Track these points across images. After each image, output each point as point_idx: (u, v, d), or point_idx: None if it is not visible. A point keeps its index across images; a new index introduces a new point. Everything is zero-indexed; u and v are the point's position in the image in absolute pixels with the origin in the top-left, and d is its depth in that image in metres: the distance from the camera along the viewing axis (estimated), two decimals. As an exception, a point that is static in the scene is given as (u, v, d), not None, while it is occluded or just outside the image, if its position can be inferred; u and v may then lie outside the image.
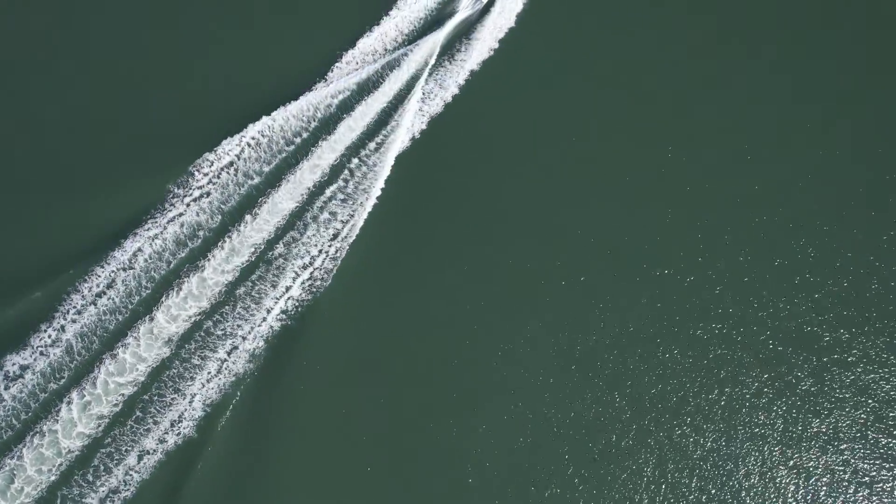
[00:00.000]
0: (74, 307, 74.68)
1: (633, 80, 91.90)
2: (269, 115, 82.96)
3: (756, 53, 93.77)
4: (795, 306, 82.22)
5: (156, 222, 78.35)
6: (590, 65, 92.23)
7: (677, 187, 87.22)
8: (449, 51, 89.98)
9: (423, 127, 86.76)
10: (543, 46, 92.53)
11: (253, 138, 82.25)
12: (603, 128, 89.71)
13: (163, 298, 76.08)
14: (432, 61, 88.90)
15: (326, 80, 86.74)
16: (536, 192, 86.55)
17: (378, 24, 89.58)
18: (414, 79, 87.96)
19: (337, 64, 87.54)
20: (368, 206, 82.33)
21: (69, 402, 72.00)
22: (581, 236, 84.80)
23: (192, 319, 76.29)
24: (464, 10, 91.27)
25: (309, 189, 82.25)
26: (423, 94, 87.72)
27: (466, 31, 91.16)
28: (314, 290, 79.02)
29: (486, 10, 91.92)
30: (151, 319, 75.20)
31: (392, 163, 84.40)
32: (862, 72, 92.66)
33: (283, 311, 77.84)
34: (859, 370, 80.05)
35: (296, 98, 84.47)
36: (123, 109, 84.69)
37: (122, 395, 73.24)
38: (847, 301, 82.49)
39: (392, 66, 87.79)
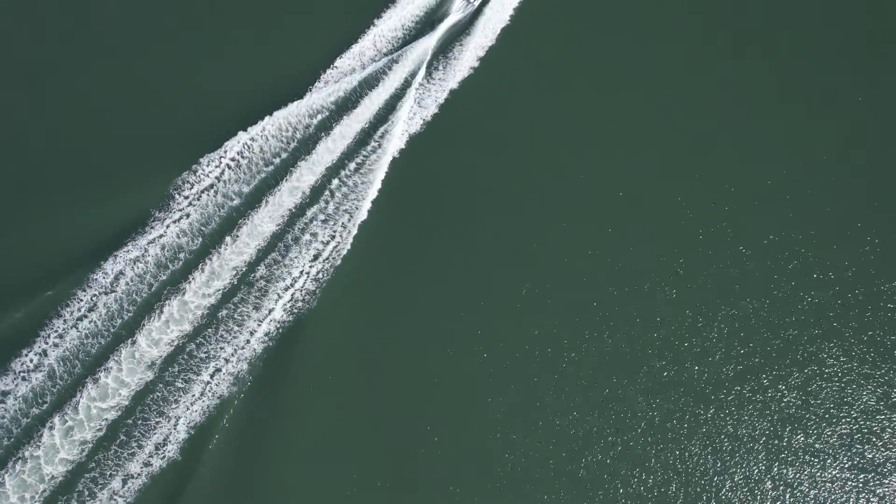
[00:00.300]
0: (56, 331, 75.76)
1: (624, 87, 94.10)
2: (258, 123, 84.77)
3: (743, 53, 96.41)
4: (779, 317, 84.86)
5: (136, 244, 79.64)
6: (581, 72, 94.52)
7: (666, 202, 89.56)
8: (431, 71, 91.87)
9: (403, 146, 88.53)
10: (531, 55, 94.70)
11: (233, 160, 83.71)
12: (595, 137, 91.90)
13: (144, 322, 77.42)
14: (417, 81, 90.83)
15: (312, 89, 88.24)
16: (525, 210, 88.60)
17: (359, 40, 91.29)
18: (395, 99, 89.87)
19: (323, 75, 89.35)
20: (353, 227, 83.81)
21: (52, 428, 73.01)
22: (568, 255, 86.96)
23: (175, 343, 77.55)
24: (446, 25, 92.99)
25: (290, 210, 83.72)
26: (409, 115, 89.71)
27: (449, 45, 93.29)
28: (297, 312, 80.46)
29: (475, 15, 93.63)
30: (133, 343, 76.47)
31: (379, 185, 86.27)
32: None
33: (266, 334, 79.19)
34: (842, 383, 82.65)
35: (283, 106, 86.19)
36: (101, 132, 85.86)
37: (106, 419, 74.32)
38: (830, 314, 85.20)
39: (372, 84, 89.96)
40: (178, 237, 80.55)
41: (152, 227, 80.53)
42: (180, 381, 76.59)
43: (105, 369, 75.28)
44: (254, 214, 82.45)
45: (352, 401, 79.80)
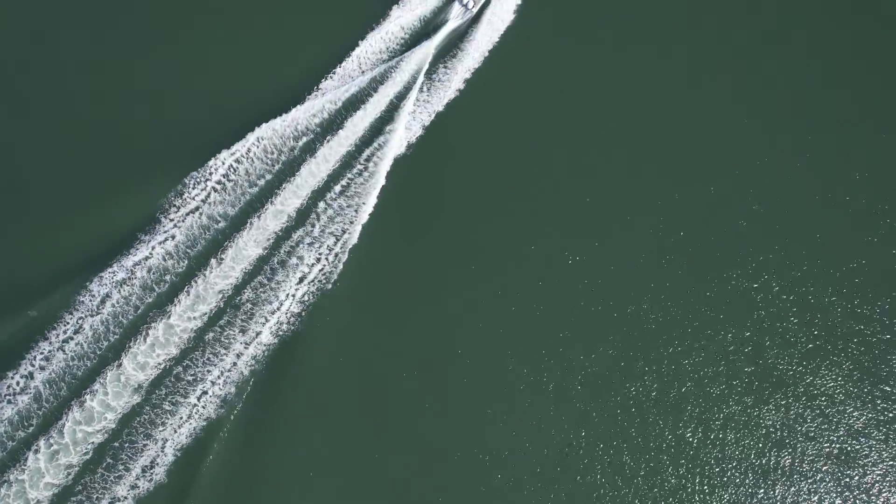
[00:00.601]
0: (42, 353, 76.80)
1: (621, 93, 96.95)
2: (245, 138, 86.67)
3: (742, 53, 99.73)
4: (763, 338, 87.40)
5: (122, 266, 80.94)
6: (581, 78, 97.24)
7: (658, 212, 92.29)
8: (424, 88, 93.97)
9: (390, 168, 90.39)
10: (531, 61, 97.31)
11: (218, 182, 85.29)
12: (594, 143, 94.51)
13: (130, 345, 78.61)
14: (413, 95, 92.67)
15: (314, 91, 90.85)
16: (522, 234, 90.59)
17: (357, 47, 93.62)
18: (391, 110, 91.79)
19: (319, 84, 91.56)
20: (343, 252, 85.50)
21: (37, 451, 73.92)
22: (559, 274, 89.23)
23: (161, 366, 78.76)
24: (442, 35, 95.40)
25: (276, 234, 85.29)
26: (404, 132, 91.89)
27: (447, 53, 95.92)
28: (282, 334, 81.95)
29: (475, 20, 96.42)
30: (119, 367, 77.60)
31: (371, 209, 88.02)
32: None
33: (253, 357, 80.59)
34: (824, 403, 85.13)
35: (284, 112, 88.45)
36: (86, 152, 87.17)
37: (92, 443, 75.33)
38: (811, 334, 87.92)
39: (366, 96, 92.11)
40: (164, 259, 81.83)
41: (138, 249, 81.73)
42: (167, 403, 77.76)
43: (91, 392, 76.22)
44: (239, 237, 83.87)
45: (340, 423, 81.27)
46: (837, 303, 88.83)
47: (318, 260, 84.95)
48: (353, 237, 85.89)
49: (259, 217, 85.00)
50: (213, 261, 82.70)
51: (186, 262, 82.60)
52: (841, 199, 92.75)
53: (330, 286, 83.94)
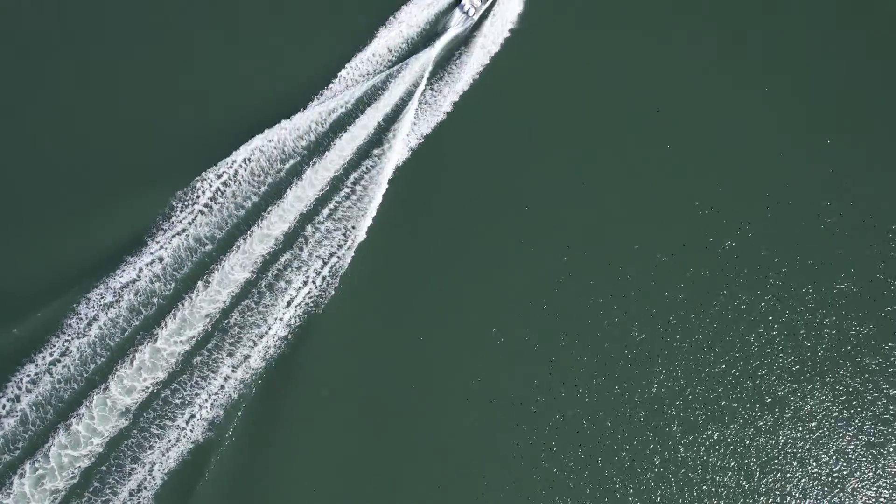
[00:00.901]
0: (28, 376, 77.27)
1: (623, 101, 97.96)
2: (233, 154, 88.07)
3: (742, 54, 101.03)
4: (751, 360, 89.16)
5: (109, 288, 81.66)
6: (583, 84, 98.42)
7: (661, 219, 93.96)
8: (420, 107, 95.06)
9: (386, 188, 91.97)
10: (533, 68, 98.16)
11: (206, 205, 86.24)
12: (596, 151, 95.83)
13: (116, 369, 79.23)
14: (412, 109, 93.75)
15: (314, 100, 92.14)
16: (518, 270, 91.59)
17: (357, 55, 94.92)
18: (367, 147, 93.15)
19: (323, 90, 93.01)
20: (326, 273, 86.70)
21: (22, 476, 74.28)
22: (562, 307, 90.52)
23: (149, 390, 79.46)
24: (443, 42, 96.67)
25: (263, 257, 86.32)
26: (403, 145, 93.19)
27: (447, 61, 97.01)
28: (270, 358, 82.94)
29: (476, 27, 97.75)
30: (105, 390, 78.16)
31: (364, 233, 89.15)
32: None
33: (241, 381, 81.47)
34: (812, 425, 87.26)
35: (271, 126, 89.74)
36: (73, 170, 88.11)
37: (79, 466, 75.80)
38: (796, 356, 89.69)
39: (371, 99, 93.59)
40: (151, 282, 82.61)
41: (125, 271, 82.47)
42: (155, 427, 78.47)
43: (77, 416, 76.74)
44: (226, 260, 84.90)
45: (330, 446, 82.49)
46: (827, 325, 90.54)
47: (306, 283, 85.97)
48: (345, 261, 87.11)
49: (246, 240, 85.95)
50: (199, 283, 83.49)
51: (174, 284, 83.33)
52: (830, 220, 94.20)
53: (321, 310, 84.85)
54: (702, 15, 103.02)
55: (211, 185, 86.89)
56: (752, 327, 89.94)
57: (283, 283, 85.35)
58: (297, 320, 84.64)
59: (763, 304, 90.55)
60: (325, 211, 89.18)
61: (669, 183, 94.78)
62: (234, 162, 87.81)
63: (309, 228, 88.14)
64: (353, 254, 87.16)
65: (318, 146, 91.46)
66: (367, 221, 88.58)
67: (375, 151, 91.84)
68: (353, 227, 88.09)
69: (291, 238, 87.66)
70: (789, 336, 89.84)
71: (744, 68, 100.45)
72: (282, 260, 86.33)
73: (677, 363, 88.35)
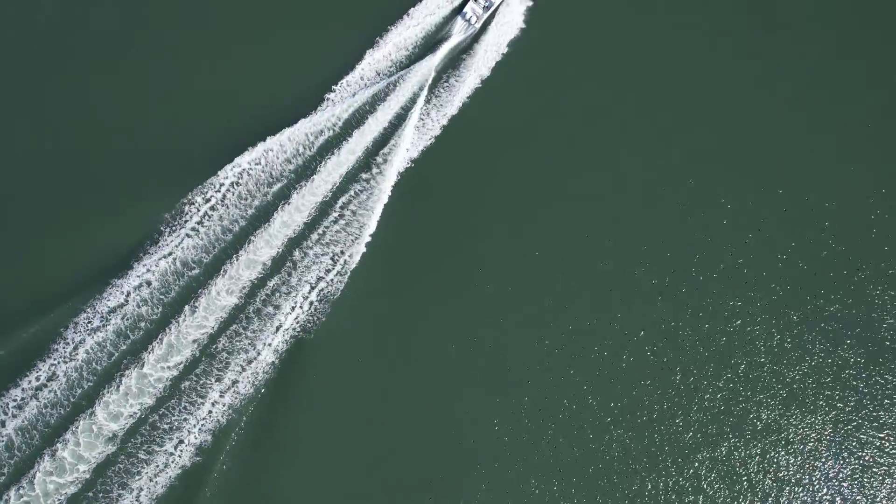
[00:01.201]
0: (14, 400, 77.26)
1: (628, 107, 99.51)
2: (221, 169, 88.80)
3: (746, 72, 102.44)
4: (740, 384, 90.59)
5: (96, 312, 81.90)
6: (586, 92, 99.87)
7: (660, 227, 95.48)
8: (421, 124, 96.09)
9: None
10: (535, 76, 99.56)
11: (193, 229, 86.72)
12: (596, 158, 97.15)
13: (102, 395, 79.37)
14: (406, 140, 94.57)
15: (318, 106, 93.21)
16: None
17: (358, 64, 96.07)
18: (353, 175, 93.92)
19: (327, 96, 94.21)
20: (314, 298, 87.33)
21: (6, 503, 74.15)
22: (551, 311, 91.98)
23: (136, 415, 79.69)
24: (445, 50, 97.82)
25: (251, 282, 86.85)
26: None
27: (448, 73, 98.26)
28: (258, 383, 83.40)
29: (478, 36, 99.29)
30: (91, 416, 78.26)
31: (358, 260, 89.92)
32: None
33: (229, 406, 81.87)
34: (802, 449, 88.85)
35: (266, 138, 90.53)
36: (57, 192, 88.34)
37: (65, 493, 75.82)
38: (788, 378, 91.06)
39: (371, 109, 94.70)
40: (139, 306, 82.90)
41: (112, 295, 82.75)
42: (143, 452, 78.74)
43: (62, 441, 76.80)
44: (213, 285, 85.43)
45: (318, 472, 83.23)
46: (816, 350, 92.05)
47: (293, 309, 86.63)
48: (337, 286, 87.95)
49: (233, 265, 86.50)
50: (186, 308, 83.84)
51: (161, 308, 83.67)
52: (818, 248, 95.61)
53: (311, 336, 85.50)
54: (702, 30, 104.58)
55: (199, 209, 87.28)
56: (742, 349, 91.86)
57: (271, 309, 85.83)
58: (286, 346, 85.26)
59: (751, 328, 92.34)
60: (314, 236, 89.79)
61: (662, 206, 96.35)
62: (221, 185, 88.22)
63: (297, 253, 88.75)
64: (345, 280, 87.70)
65: (305, 169, 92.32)
66: (361, 248, 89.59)
67: (365, 176, 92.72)
68: (343, 252, 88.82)
69: (279, 263, 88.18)
70: (778, 358, 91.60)
71: (742, 85, 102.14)
72: (270, 285, 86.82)
73: (670, 390, 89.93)
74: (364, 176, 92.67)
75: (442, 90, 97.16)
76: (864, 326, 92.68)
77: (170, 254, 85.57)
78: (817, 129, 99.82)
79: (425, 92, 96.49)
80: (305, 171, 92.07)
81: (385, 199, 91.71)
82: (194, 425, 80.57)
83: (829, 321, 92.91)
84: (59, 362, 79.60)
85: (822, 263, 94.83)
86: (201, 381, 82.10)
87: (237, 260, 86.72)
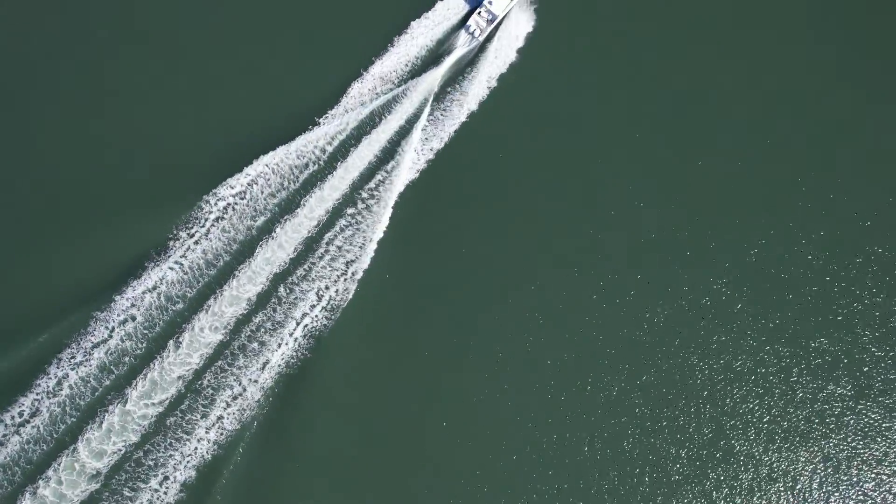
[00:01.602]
0: (-5, 437, 77.22)
1: (629, 120, 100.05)
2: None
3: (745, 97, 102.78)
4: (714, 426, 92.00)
5: (80, 347, 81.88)
6: (589, 104, 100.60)
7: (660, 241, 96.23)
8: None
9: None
10: (539, 89, 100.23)
11: (176, 262, 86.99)
12: (601, 168, 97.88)
13: (85, 432, 79.16)
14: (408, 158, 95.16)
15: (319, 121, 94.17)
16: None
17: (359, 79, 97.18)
18: (344, 205, 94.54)
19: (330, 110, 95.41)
20: (299, 334, 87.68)
21: (-11, 543, 73.93)
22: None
23: (120, 452, 79.56)
24: (449, 63, 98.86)
25: (236, 317, 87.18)
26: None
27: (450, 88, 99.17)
28: (244, 419, 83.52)
29: (481, 49, 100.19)
30: (74, 453, 78.01)
31: (352, 295, 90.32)
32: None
33: (214, 442, 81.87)
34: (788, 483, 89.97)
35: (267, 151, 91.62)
36: (43, 219, 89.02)
37: (48, 531, 75.74)
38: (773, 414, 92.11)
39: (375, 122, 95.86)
40: (123, 341, 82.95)
41: (96, 329, 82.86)
42: (127, 489, 78.77)
43: (44, 478, 76.45)
44: (196, 321, 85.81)
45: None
46: (799, 382, 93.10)
47: (280, 345, 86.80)
48: (325, 321, 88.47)
49: (216, 300, 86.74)
50: (170, 343, 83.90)
51: (145, 344, 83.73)
52: (801, 281, 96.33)
53: (295, 370, 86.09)
54: (708, 39, 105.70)
55: (183, 243, 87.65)
56: (723, 385, 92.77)
57: (256, 345, 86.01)
58: (273, 382, 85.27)
59: (737, 363, 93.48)
60: (300, 272, 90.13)
61: (653, 242, 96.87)
62: (205, 221, 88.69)
63: (282, 289, 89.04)
64: (338, 316, 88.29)
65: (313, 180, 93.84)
66: (354, 286, 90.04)
67: (366, 189, 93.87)
68: (328, 287, 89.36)
69: (264, 299, 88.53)
70: (765, 395, 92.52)
71: (750, 94, 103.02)
72: (255, 321, 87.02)
73: (654, 425, 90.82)
74: (370, 185, 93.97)
75: (444, 106, 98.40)
76: (850, 360, 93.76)
77: (154, 288, 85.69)
78: (804, 167, 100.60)
79: (428, 108, 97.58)
80: (316, 179, 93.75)
81: (381, 233, 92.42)
82: (179, 461, 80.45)
83: (816, 356, 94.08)
84: (42, 397, 79.33)
85: (809, 298, 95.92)
86: (186, 418, 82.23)
87: (221, 295, 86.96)
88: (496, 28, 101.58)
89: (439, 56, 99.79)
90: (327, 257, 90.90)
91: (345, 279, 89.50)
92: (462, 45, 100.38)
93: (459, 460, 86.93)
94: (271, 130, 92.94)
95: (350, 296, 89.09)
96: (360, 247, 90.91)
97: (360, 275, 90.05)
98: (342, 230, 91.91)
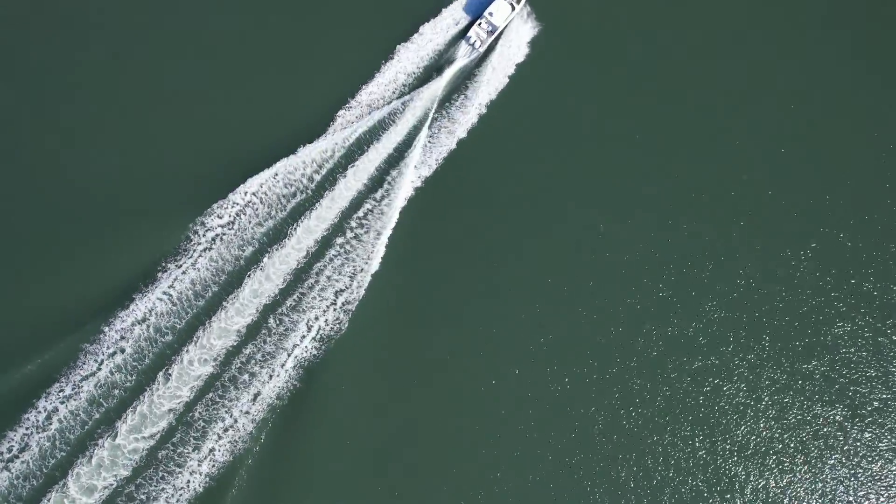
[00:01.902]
0: (-15, 472, 76.50)
1: (633, 130, 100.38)
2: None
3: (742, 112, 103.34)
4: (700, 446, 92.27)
5: (69, 380, 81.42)
6: (591, 115, 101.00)
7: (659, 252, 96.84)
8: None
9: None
10: (540, 100, 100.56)
11: (164, 293, 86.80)
12: (605, 179, 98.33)
13: (74, 467, 78.56)
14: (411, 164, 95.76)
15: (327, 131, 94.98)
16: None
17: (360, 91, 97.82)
18: (339, 227, 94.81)
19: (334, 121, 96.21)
20: (290, 366, 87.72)
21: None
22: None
23: (111, 488, 79.10)
24: (449, 74, 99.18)
25: (226, 349, 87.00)
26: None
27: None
28: (237, 451, 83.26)
29: (482, 60, 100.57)
30: (65, 488, 77.41)
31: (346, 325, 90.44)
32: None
33: (206, 475, 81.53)
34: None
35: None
36: (31, 244, 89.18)
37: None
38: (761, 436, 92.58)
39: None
40: (112, 373, 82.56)
41: (85, 362, 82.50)
42: (119, 526, 78.04)
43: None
44: (185, 354, 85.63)
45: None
46: (788, 404, 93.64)
47: (272, 376, 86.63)
48: (316, 352, 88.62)
49: (205, 332, 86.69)
50: (160, 376, 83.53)
51: (135, 376, 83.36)
52: (787, 300, 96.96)
53: (285, 402, 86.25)
54: (709, 51, 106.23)
55: (171, 274, 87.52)
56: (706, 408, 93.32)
57: (247, 377, 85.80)
58: (264, 413, 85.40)
59: (725, 385, 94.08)
60: (289, 302, 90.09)
61: (654, 253, 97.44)
62: (194, 252, 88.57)
63: (272, 321, 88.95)
64: (330, 347, 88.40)
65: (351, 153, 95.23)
66: (345, 317, 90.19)
67: (363, 209, 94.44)
68: (317, 318, 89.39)
69: (254, 330, 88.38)
70: (748, 417, 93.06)
71: (750, 106, 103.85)
72: (245, 352, 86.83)
73: (644, 448, 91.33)
74: (374, 195, 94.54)
75: (442, 122, 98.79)
76: (844, 382, 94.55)
77: (143, 320, 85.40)
78: (798, 186, 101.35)
79: (429, 122, 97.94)
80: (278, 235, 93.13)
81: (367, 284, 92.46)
82: (172, 495, 80.00)
83: (808, 378, 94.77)
84: (32, 432, 78.68)
85: (799, 318, 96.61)
86: (178, 450, 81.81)
87: (209, 327, 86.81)
88: (497, 39, 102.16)
89: (439, 68, 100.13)
90: (317, 288, 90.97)
91: (335, 309, 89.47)
92: (462, 56, 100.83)
93: None
94: (258, 155, 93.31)
95: (343, 326, 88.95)
96: (351, 276, 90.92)
97: (351, 305, 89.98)
98: (331, 260, 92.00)
